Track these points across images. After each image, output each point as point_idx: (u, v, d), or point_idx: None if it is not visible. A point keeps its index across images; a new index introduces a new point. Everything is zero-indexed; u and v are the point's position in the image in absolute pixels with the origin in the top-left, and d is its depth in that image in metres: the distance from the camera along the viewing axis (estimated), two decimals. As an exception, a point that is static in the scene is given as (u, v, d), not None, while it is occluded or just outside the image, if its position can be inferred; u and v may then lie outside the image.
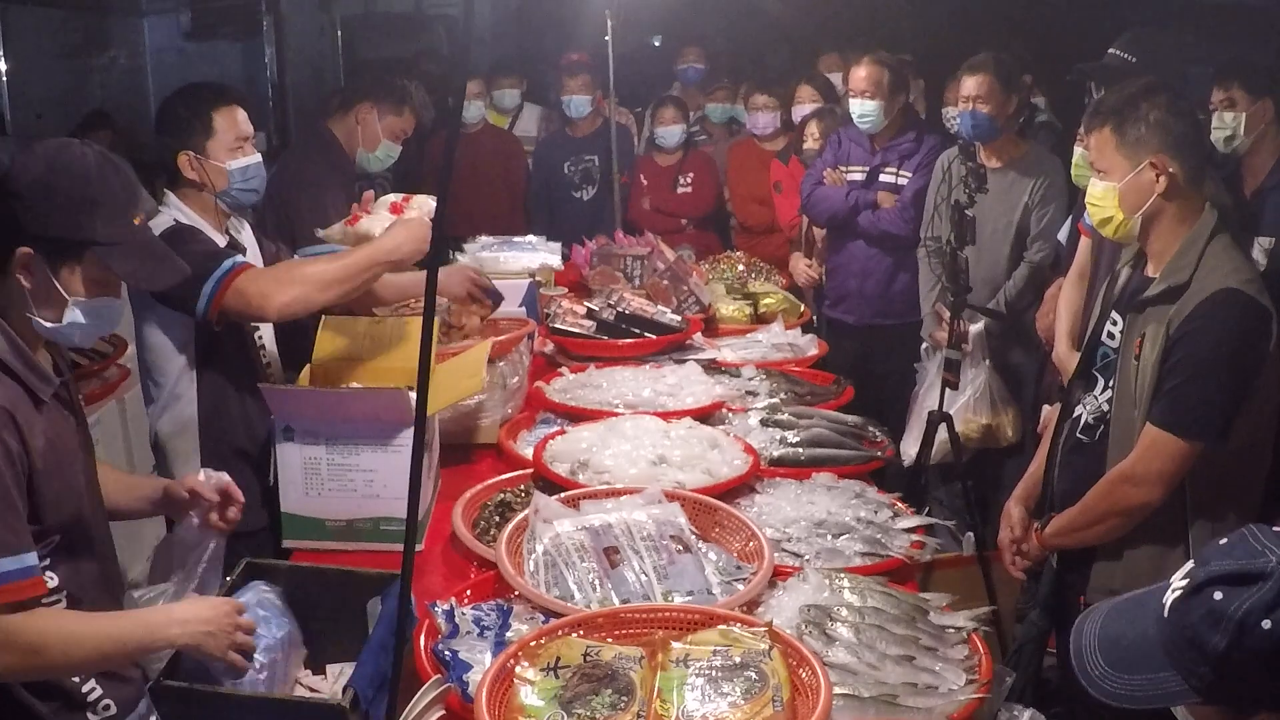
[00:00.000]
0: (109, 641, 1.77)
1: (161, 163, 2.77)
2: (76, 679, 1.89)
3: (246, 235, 2.93)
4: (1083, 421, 2.46)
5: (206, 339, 2.73)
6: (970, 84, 3.96)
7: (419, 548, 2.50)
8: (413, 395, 2.54)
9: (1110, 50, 3.44)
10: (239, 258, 2.66)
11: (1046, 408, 3.60)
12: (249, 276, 2.61)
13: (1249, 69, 3.40)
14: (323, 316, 2.93)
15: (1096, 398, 2.44)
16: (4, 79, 7.75)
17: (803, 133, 5.06)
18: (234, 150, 2.73)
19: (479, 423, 3.04)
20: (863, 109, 4.37)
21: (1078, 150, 3.55)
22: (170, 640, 1.78)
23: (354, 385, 2.68)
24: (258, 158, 2.80)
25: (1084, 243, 3.57)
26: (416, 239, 2.72)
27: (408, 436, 2.45)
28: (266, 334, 2.94)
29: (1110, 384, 2.39)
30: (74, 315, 1.85)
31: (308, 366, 2.81)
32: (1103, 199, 2.36)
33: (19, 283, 1.81)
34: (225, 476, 2.16)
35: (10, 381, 1.79)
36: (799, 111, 5.27)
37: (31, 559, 1.74)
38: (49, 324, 1.84)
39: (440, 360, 2.92)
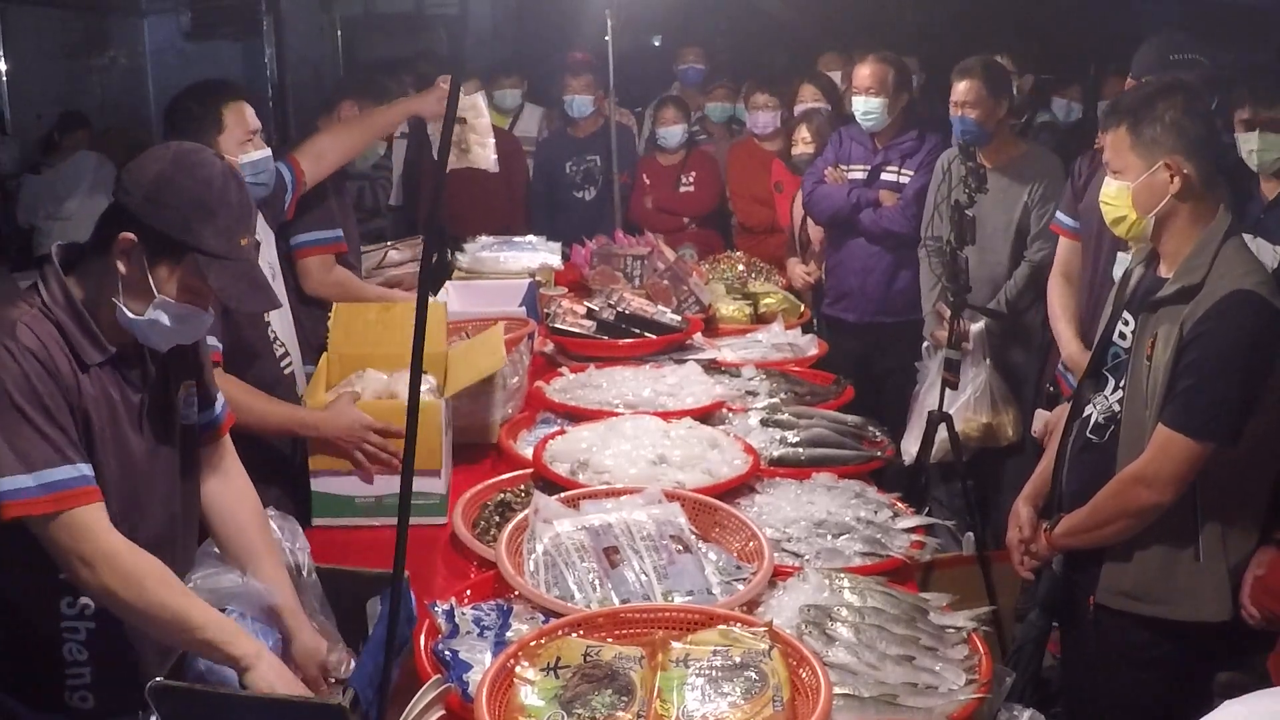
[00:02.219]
0: (185, 613, 1.78)
1: None
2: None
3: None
4: (1093, 421, 2.46)
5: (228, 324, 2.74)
6: (959, 89, 3.96)
7: (443, 521, 2.55)
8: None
9: (1172, 56, 3.33)
10: None
11: (1040, 412, 3.60)
12: None
13: None
14: (334, 306, 2.95)
15: (1107, 398, 2.43)
16: (4, 79, 7.75)
17: (792, 136, 5.05)
18: (243, 145, 2.73)
19: (479, 422, 3.04)
20: (867, 106, 4.37)
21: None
22: (236, 662, 1.77)
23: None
24: (267, 152, 2.80)
25: (1063, 243, 3.56)
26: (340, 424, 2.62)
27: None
28: (277, 324, 2.95)
29: (1121, 384, 2.39)
30: (156, 314, 1.84)
31: (324, 357, 2.83)
32: (1116, 198, 2.35)
33: (115, 266, 1.82)
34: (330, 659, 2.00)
35: (55, 332, 1.80)
36: (801, 110, 5.27)
37: (87, 469, 1.77)
38: (131, 314, 1.83)
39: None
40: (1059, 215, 3.62)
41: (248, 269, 1.88)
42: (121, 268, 1.82)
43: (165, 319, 1.84)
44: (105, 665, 1.96)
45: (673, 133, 5.72)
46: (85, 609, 1.92)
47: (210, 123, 2.69)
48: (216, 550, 2.03)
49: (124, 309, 1.83)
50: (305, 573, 2.05)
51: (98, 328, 1.85)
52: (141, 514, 1.94)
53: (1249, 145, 2.94)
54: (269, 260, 2.92)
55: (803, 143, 4.93)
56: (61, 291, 1.84)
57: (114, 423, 1.88)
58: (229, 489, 2.12)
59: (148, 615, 1.79)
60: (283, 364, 2.97)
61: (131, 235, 1.80)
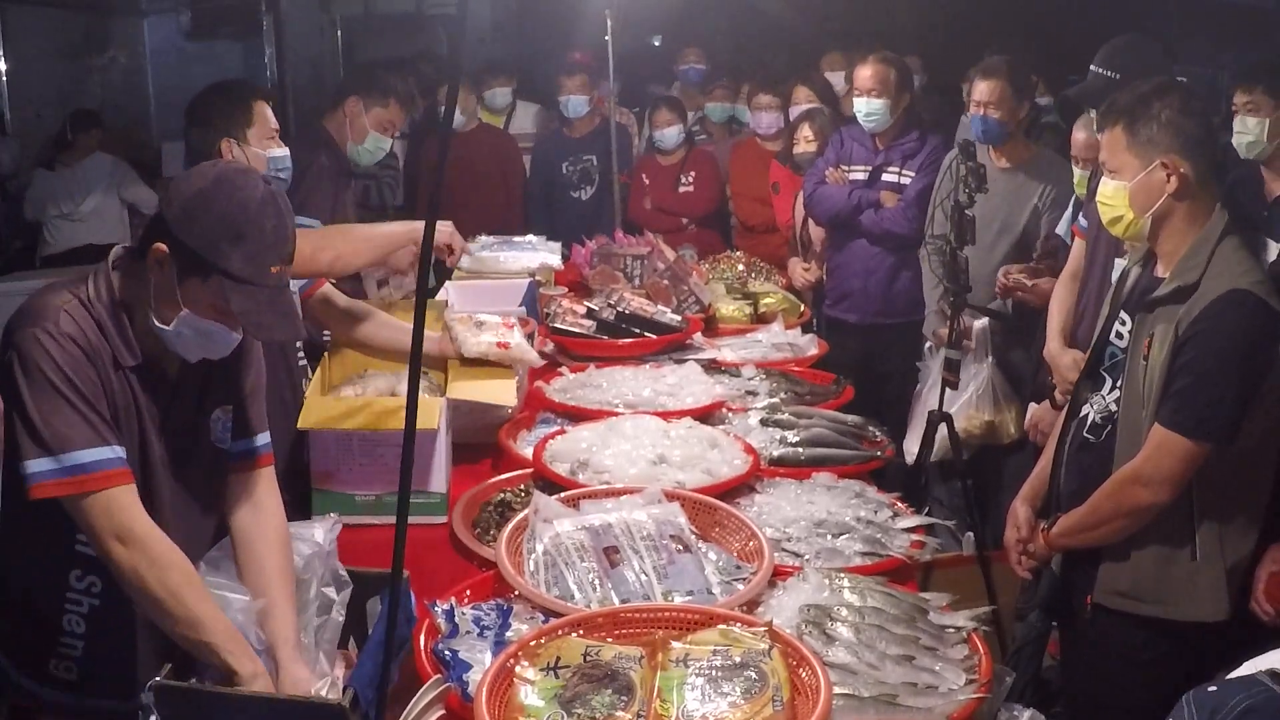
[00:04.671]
0: (200, 619, 1.78)
1: (201, 154, 2.75)
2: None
3: None
4: (1090, 421, 2.46)
5: None
6: (983, 89, 3.95)
7: (442, 521, 2.56)
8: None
9: (1092, 68, 3.41)
10: None
11: (1034, 406, 3.59)
12: None
13: (1273, 72, 3.23)
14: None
15: (1104, 398, 2.43)
16: (4, 79, 7.76)
17: (795, 135, 5.05)
18: (269, 140, 2.74)
19: (479, 422, 3.04)
20: (869, 107, 4.36)
21: (1076, 170, 3.56)
22: (233, 676, 1.77)
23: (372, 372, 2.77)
24: (286, 150, 2.80)
25: (1078, 244, 3.57)
26: None
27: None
28: None
29: (1118, 384, 2.39)
30: (181, 326, 1.86)
31: (325, 355, 2.84)
32: (1113, 198, 2.35)
33: (149, 275, 1.86)
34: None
35: (94, 325, 1.84)
36: (796, 112, 5.27)
37: (121, 451, 1.82)
38: (158, 323, 1.87)
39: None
40: (1081, 218, 3.62)
41: (274, 296, 1.87)
42: (153, 276, 1.85)
43: (188, 332, 1.87)
44: (98, 644, 1.98)
45: (668, 134, 5.70)
46: (92, 585, 1.95)
47: (240, 116, 2.69)
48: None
49: (153, 317, 1.87)
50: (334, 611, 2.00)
51: (132, 331, 1.88)
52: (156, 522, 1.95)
53: (1247, 136, 2.94)
54: None
55: (805, 141, 4.93)
56: (107, 290, 1.88)
57: (139, 425, 1.91)
58: (257, 519, 2.07)
59: (165, 603, 1.78)
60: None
61: (164, 246, 1.83)
